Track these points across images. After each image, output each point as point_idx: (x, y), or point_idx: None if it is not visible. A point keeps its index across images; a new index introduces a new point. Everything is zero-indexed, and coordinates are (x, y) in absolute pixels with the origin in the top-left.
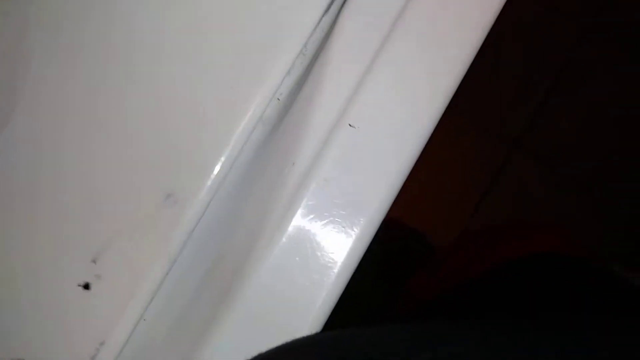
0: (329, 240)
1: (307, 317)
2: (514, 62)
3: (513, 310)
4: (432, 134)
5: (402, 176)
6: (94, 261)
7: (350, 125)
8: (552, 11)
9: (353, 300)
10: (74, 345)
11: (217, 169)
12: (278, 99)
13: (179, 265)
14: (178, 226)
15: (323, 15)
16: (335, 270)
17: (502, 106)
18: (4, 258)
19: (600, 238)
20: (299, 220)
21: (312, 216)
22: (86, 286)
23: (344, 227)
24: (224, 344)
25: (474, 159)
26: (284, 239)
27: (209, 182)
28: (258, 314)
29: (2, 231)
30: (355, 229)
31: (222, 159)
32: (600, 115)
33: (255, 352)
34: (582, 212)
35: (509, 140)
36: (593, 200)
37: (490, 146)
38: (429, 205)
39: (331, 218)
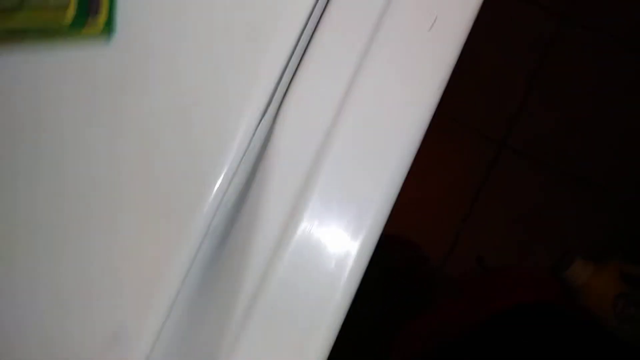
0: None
1: None
2: (491, 61)
3: None
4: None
5: (399, 180)
6: None
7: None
8: (527, 4)
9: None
10: None
11: (163, 298)
12: (225, 207)
13: None
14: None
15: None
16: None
17: (485, 106)
18: None
19: (597, 233)
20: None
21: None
22: None
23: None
24: None
25: (461, 163)
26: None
27: (157, 316)
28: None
29: None
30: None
31: (165, 300)
32: (583, 108)
33: None
34: (579, 208)
35: (496, 141)
36: (588, 195)
37: (476, 148)
38: (420, 214)
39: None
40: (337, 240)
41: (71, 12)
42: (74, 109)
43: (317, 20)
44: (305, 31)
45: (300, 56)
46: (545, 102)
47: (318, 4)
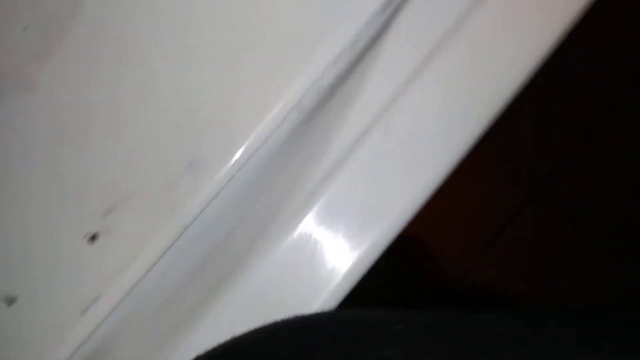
0: (334, 249)
1: None
2: (555, 103)
3: None
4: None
5: (424, 197)
6: (106, 214)
7: (385, 130)
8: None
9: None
10: (69, 294)
11: (245, 146)
12: (319, 88)
13: (188, 235)
14: (195, 195)
15: (379, 13)
16: (335, 281)
17: (529, 154)
18: (22, 194)
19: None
20: (310, 222)
21: (324, 220)
22: (93, 237)
23: (353, 237)
24: (217, 319)
25: (494, 197)
26: (289, 240)
27: (235, 157)
28: (255, 300)
29: (25, 169)
30: (364, 243)
31: (252, 137)
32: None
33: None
34: (601, 266)
35: (531, 187)
36: (612, 257)
37: (511, 188)
38: (443, 232)
39: (343, 227)
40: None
41: None
42: None
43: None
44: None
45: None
46: (596, 160)
47: None
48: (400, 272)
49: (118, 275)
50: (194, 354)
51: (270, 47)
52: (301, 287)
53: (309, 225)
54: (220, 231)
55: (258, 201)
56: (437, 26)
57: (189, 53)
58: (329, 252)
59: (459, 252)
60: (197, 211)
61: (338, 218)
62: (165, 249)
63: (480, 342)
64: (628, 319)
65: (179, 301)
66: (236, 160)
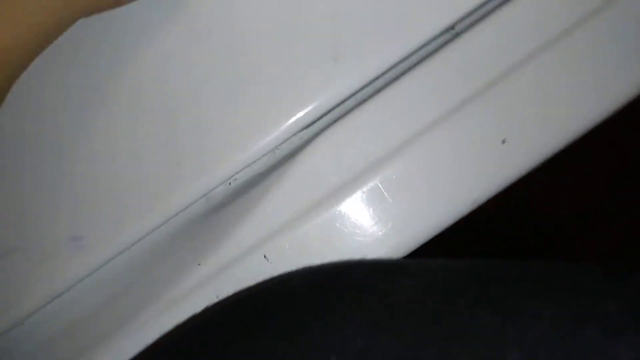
0: None
1: None
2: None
3: None
4: None
5: None
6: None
7: (264, 257)
8: None
9: None
10: None
11: (140, 224)
12: (229, 184)
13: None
14: (69, 269)
15: (302, 130)
16: None
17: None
18: None
19: None
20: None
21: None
22: None
23: None
24: None
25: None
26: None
27: (120, 238)
28: None
29: None
30: None
31: (150, 216)
32: None
33: None
34: None
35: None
36: None
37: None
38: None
39: None
40: None
41: None
42: None
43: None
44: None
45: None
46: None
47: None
48: None
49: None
50: None
51: (186, 142)
52: None
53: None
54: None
55: (143, 277)
56: (362, 155)
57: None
58: None
59: None
60: (67, 285)
61: None
62: (32, 311)
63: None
64: None
65: None
66: (121, 241)
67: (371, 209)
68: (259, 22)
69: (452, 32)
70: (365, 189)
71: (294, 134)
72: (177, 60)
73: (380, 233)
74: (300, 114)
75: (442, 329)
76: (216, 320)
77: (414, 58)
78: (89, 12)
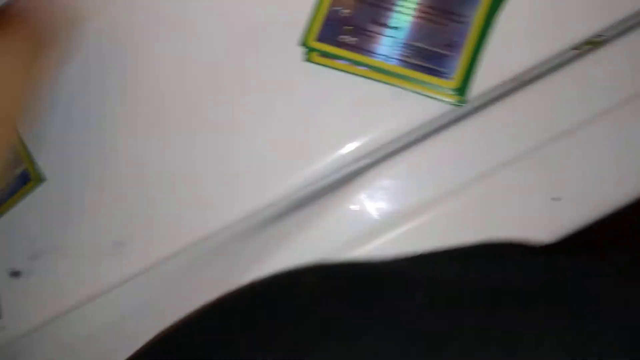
0: None
1: None
2: None
3: None
4: None
5: None
6: (33, 257)
7: None
8: None
9: None
10: None
11: (183, 238)
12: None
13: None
14: (113, 273)
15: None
16: None
17: None
18: None
19: None
20: None
21: None
22: (16, 274)
23: None
24: None
25: None
26: None
27: (165, 247)
28: None
29: None
30: None
31: (193, 231)
32: None
33: None
34: None
35: None
36: None
37: None
38: None
39: None
40: None
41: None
42: None
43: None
44: None
45: None
46: None
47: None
48: None
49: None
50: None
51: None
52: None
53: None
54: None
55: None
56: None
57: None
58: None
59: None
60: (103, 288)
61: None
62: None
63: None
64: None
65: None
66: (161, 251)
67: None
68: None
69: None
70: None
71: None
72: None
73: None
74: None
75: (445, 356)
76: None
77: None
78: None
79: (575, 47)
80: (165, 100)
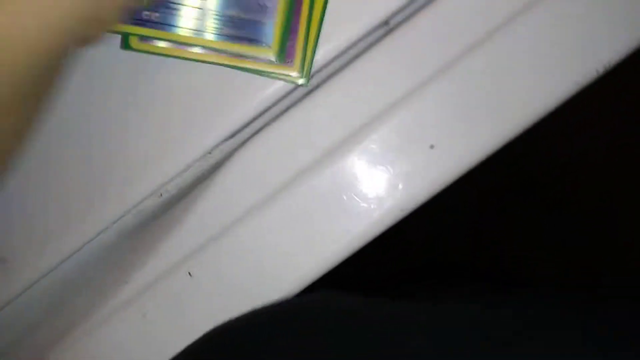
0: None
1: None
2: None
3: None
4: None
5: None
6: None
7: (189, 274)
8: None
9: None
10: None
11: (66, 243)
12: (160, 195)
13: None
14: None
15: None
16: None
17: None
18: None
19: None
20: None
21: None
22: None
23: None
24: None
25: None
26: None
27: (49, 256)
28: None
29: None
30: None
31: (76, 234)
32: None
33: None
34: None
35: None
36: None
37: None
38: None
39: None
40: None
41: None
42: None
43: None
44: None
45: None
46: None
47: None
48: None
49: None
50: None
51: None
52: None
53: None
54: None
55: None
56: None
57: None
58: None
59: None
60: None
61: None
62: None
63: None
64: None
65: None
66: (46, 262)
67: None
68: None
69: (387, 28)
70: (285, 200)
71: (222, 142)
72: None
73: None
74: (227, 123)
75: None
76: None
77: (348, 56)
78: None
79: None
80: None
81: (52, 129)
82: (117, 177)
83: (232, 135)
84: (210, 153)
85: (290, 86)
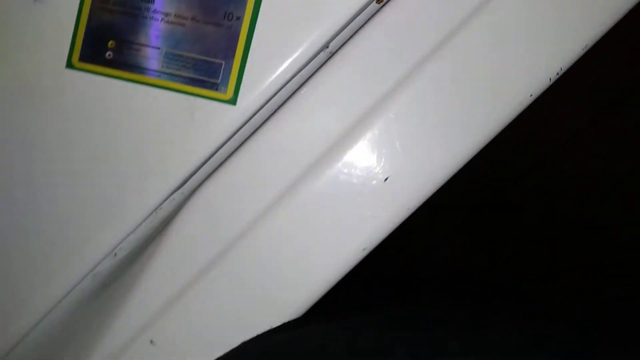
0: None
1: None
2: None
3: None
4: None
5: None
6: None
7: (151, 342)
8: None
9: None
10: None
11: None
12: (115, 255)
13: None
14: None
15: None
16: None
17: None
18: None
19: None
20: None
21: None
22: None
23: None
24: None
25: None
26: None
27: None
28: None
29: None
30: None
31: (32, 305)
32: None
33: None
34: None
35: None
36: None
37: None
38: None
39: None
40: None
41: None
42: None
43: None
44: None
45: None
46: None
47: None
48: None
49: None
50: None
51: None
52: None
53: None
54: None
55: None
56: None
57: None
58: None
59: None
60: None
61: None
62: None
63: None
64: None
65: None
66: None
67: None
68: None
69: (327, 52)
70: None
71: (173, 192)
72: None
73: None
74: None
75: None
76: None
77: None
78: None
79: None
80: None
81: None
82: (68, 242)
83: (181, 185)
84: (160, 207)
85: (234, 127)
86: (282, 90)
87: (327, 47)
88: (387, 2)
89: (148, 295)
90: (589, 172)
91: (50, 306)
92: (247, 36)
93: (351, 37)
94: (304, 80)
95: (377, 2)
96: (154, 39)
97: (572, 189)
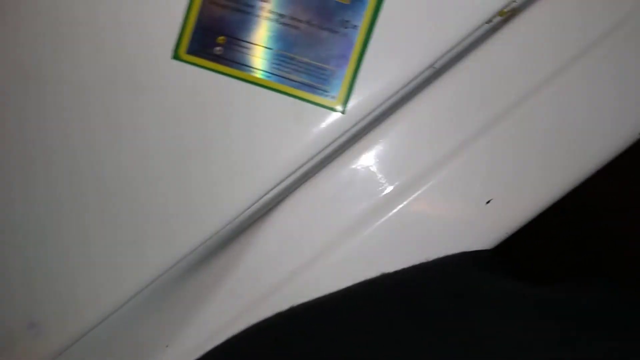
0: None
1: None
2: None
3: None
4: None
5: None
6: None
7: None
8: None
9: None
10: None
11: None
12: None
13: None
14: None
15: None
16: None
17: None
18: None
19: None
20: None
21: None
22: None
23: None
24: None
25: None
26: None
27: (82, 319)
28: None
29: None
30: None
31: (113, 292)
32: None
33: None
34: None
35: None
36: None
37: None
38: None
39: None
40: None
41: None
42: None
43: None
44: None
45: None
46: None
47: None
48: None
49: None
50: None
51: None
52: None
53: None
54: None
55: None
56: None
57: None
58: None
59: None
60: None
61: None
62: None
63: None
64: None
65: None
66: (80, 325)
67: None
68: None
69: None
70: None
71: (265, 194)
72: None
73: None
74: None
75: None
76: None
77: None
78: None
79: (489, 20)
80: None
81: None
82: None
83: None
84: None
85: (339, 134)
86: (387, 101)
87: (434, 63)
88: (509, 15)
89: (233, 292)
90: None
91: (127, 297)
92: (363, 45)
93: (459, 54)
94: (407, 93)
95: (499, 15)
96: (267, 39)
97: None
